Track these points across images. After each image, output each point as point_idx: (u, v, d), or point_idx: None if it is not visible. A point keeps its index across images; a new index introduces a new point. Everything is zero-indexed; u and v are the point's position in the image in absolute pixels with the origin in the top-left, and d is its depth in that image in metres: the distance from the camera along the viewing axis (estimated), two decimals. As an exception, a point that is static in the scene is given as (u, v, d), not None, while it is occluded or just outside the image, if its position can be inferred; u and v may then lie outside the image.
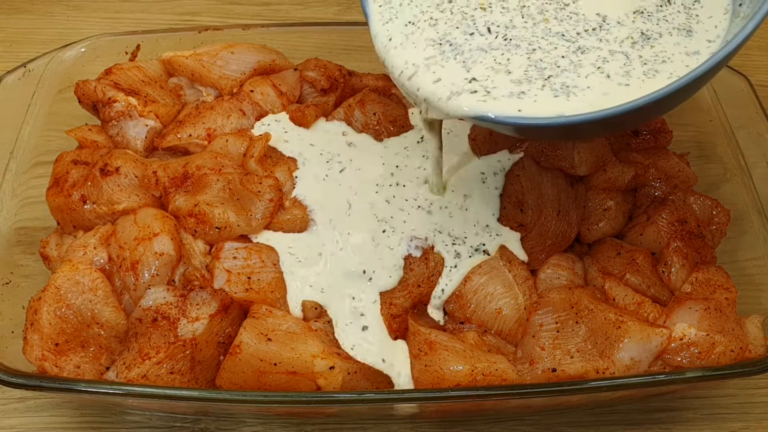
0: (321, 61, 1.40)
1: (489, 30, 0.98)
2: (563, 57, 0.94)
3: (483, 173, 1.25)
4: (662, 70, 0.92)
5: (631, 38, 0.96)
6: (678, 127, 1.36)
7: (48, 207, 1.21)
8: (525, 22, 0.99)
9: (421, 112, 1.01)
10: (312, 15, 1.83)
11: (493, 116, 0.89)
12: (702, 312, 1.08)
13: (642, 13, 0.99)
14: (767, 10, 0.85)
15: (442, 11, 1.03)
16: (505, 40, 0.97)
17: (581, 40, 0.96)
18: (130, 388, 0.98)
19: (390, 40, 1.02)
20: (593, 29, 0.97)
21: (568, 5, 1.01)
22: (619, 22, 0.98)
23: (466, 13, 1.01)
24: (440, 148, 1.16)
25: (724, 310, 1.09)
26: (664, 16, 0.99)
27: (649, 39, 0.96)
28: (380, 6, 1.06)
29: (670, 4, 1.00)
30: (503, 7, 1.02)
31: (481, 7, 1.02)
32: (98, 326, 1.07)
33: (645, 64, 0.93)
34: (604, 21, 0.98)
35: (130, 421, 1.17)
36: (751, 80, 1.33)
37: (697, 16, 0.99)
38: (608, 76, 0.92)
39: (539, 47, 0.96)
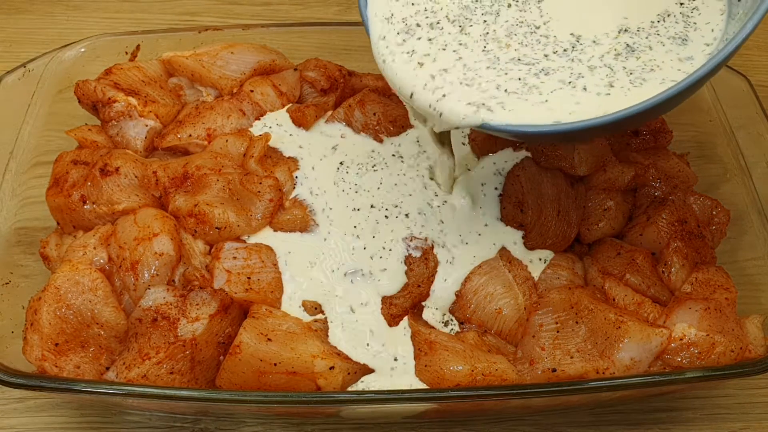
0: (321, 61, 1.40)
1: (420, 64, 0.98)
2: (519, 80, 0.94)
3: (483, 174, 1.25)
4: (650, 78, 0.92)
5: (615, 50, 0.96)
6: (678, 127, 1.36)
7: (48, 207, 1.21)
8: (484, 48, 0.98)
9: (426, 123, 1.02)
10: (312, 15, 1.83)
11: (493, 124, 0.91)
12: (702, 312, 1.08)
13: (627, 30, 0.98)
14: (766, 7, 0.85)
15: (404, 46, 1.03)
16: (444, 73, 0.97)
17: (546, 62, 0.95)
18: (129, 388, 0.98)
19: (391, 58, 1.01)
20: (564, 50, 0.96)
21: (539, 28, 1.00)
22: (594, 41, 0.97)
23: (411, 57, 1.01)
24: (452, 154, 1.16)
25: (724, 310, 1.09)
26: (657, 30, 0.98)
27: (634, 51, 0.95)
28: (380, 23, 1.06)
29: (667, 18, 0.99)
30: (466, 33, 1.01)
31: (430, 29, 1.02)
32: (98, 326, 1.07)
33: (631, 73, 0.92)
34: (577, 41, 0.97)
35: (130, 421, 1.17)
36: (751, 80, 1.33)
37: (695, 23, 0.98)
38: (584, 89, 0.91)
39: (477, 76, 0.96)
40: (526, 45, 0.98)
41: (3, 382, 0.98)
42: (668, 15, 0.99)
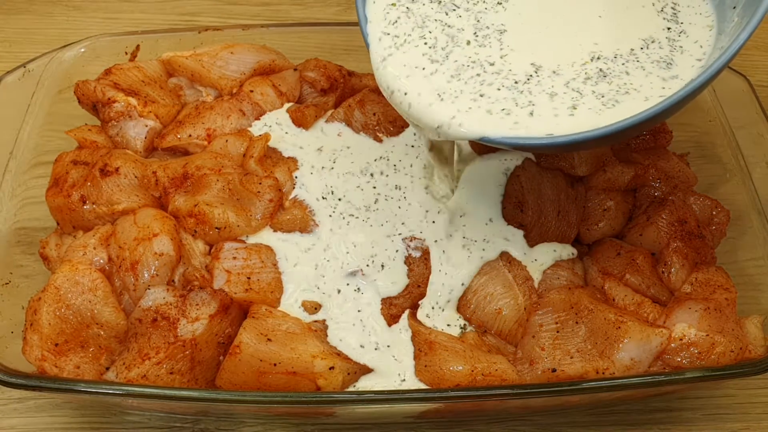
0: (321, 61, 1.40)
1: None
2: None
3: (483, 173, 1.25)
4: (624, 99, 0.92)
5: (585, 74, 0.95)
6: (678, 127, 1.35)
7: (48, 207, 1.21)
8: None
9: (421, 133, 1.02)
10: (312, 15, 1.83)
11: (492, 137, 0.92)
12: (702, 312, 1.08)
13: (600, 58, 0.97)
14: (762, 14, 0.84)
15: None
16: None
17: (475, 101, 0.95)
18: (129, 388, 0.98)
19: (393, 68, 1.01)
20: (515, 83, 0.95)
21: (493, 64, 0.98)
22: (555, 72, 0.96)
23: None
24: (452, 161, 1.17)
25: (723, 311, 1.09)
26: (637, 57, 0.97)
27: (606, 76, 0.95)
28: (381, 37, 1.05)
29: (651, 44, 0.98)
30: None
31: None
32: (98, 326, 1.07)
33: (602, 96, 0.92)
34: (536, 72, 0.96)
35: (130, 421, 1.17)
36: (751, 80, 1.33)
37: (681, 47, 0.97)
38: (531, 114, 0.92)
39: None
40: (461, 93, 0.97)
41: (3, 382, 0.98)
42: (653, 41, 0.99)
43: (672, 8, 1.02)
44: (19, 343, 1.05)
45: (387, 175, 1.24)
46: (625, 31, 1.00)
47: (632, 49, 0.98)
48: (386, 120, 1.31)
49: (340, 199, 1.21)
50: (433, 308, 1.15)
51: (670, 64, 0.96)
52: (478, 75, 0.97)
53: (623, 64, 0.96)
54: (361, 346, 1.09)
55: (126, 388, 0.98)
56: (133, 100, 1.28)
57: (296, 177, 1.22)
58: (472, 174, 1.25)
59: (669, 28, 1.00)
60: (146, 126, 1.28)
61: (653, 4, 1.03)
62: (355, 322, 1.11)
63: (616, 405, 1.21)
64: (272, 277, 1.12)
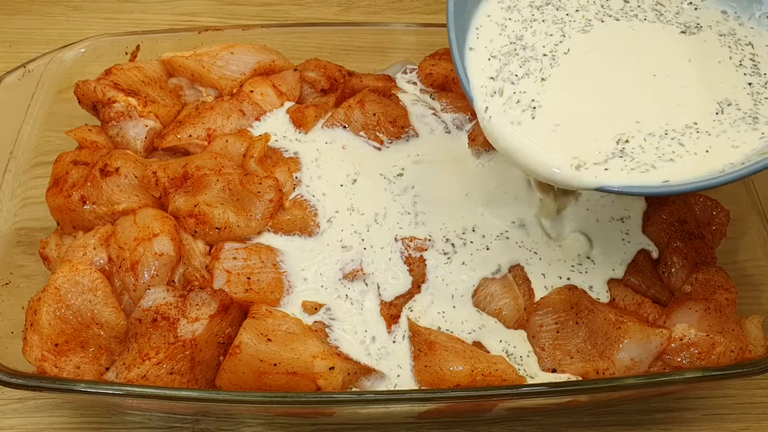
0: (321, 61, 1.40)
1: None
2: None
3: (481, 172, 1.25)
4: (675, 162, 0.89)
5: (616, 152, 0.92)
6: (678, 127, 1.35)
7: (48, 207, 1.21)
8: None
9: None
10: (312, 15, 1.83)
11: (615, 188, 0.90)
12: (702, 312, 1.08)
13: (633, 137, 0.92)
14: None
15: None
16: None
17: None
18: (129, 388, 0.98)
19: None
20: None
21: None
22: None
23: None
24: (555, 199, 1.16)
25: (724, 311, 1.09)
26: (698, 128, 0.90)
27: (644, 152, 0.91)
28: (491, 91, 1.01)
29: (726, 107, 0.91)
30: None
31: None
32: (98, 327, 1.07)
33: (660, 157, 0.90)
34: None
35: (130, 421, 1.17)
36: (751, 80, 1.33)
37: (767, 99, 0.90)
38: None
39: None
40: None
41: (3, 382, 0.98)
42: (729, 104, 0.91)
43: (751, 59, 0.94)
44: (19, 343, 1.05)
45: (386, 175, 1.24)
46: (695, 96, 0.93)
47: (695, 123, 0.91)
48: (386, 120, 1.31)
49: (340, 200, 1.20)
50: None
51: (757, 117, 0.90)
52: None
53: (672, 138, 0.90)
54: (361, 346, 1.09)
55: (126, 388, 0.98)
56: (133, 101, 1.28)
57: (297, 177, 1.22)
58: (470, 172, 1.25)
59: (750, 84, 0.93)
60: (146, 126, 1.28)
61: (730, 58, 0.94)
62: (355, 322, 1.11)
63: (616, 405, 1.21)
64: (272, 278, 1.12)
